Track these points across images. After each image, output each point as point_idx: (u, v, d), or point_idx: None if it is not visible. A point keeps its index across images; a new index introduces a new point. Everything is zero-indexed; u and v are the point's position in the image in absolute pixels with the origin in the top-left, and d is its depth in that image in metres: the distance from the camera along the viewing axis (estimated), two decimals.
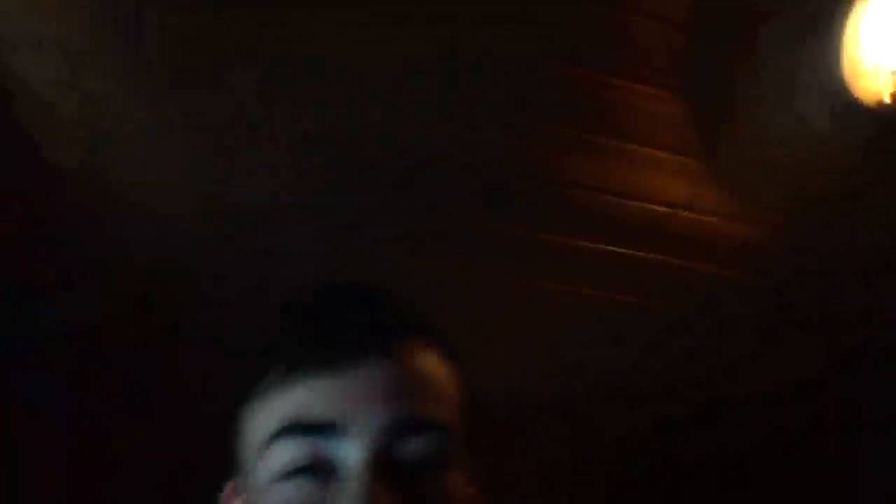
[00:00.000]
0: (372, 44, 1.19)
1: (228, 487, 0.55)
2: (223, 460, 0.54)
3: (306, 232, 1.45)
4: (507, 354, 1.66)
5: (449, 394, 0.51)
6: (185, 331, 1.56)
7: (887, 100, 1.34)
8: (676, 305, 1.59)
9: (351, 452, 0.45)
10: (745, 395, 1.85)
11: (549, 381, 1.78)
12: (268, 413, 0.48)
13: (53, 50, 1.13)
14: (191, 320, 1.54)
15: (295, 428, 0.46)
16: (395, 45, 1.20)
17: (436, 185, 1.42)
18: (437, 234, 1.50)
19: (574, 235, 1.53)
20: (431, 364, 0.50)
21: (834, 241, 1.51)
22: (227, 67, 1.19)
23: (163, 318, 1.53)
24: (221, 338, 1.42)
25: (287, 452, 0.46)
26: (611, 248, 1.55)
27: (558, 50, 1.26)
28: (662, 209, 1.51)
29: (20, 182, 1.29)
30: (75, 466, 1.51)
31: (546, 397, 1.80)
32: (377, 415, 0.46)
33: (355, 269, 1.40)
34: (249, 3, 1.13)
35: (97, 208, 1.36)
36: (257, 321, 0.55)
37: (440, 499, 0.46)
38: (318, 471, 0.46)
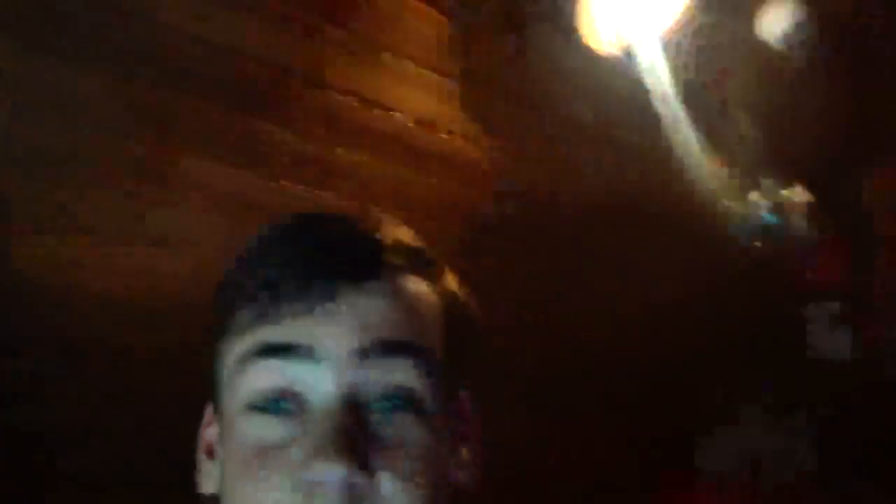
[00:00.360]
0: None
1: (207, 414, 0.54)
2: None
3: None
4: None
5: (429, 320, 0.49)
6: None
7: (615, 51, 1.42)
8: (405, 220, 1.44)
9: (321, 380, 0.44)
10: None
11: None
12: (243, 336, 0.47)
13: None
14: None
15: (266, 350, 0.45)
16: None
17: (182, 71, 1.39)
18: (181, 123, 1.46)
19: (316, 137, 1.48)
20: (411, 289, 0.49)
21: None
22: None
23: None
24: None
25: (257, 376, 0.45)
26: (352, 154, 1.48)
27: None
28: (409, 123, 1.48)
29: None
30: None
31: None
32: (350, 339, 0.44)
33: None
34: None
35: None
36: None
37: (407, 440, 0.45)
38: (287, 404, 0.45)
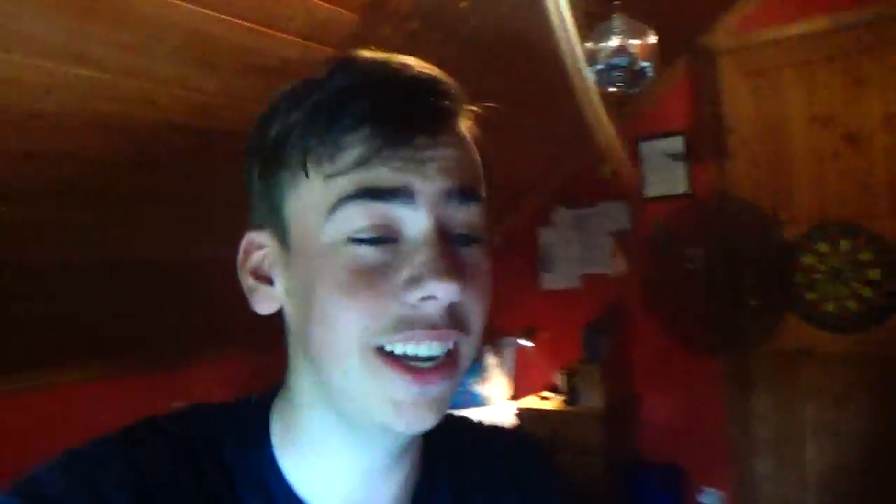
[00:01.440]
0: None
1: (249, 239, 0.57)
2: None
3: None
4: None
5: (482, 168, 0.56)
6: None
7: None
8: None
9: (417, 217, 0.51)
10: None
11: None
12: (334, 180, 0.50)
13: None
14: None
15: (364, 193, 0.49)
16: None
17: None
18: None
19: None
20: (475, 140, 0.56)
21: None
22: None
23: None
24: None
25: (357, 216, 0.50)
26: None
27: None
28: None
29: None
30: None
31: None
32: (441, 183, 0.51)
33: None
34: None
35: None
36: None
37: (478, 268, 0.54)
38: (384, 238, 0.50)
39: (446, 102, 0.53)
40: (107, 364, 2.37)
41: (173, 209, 2.07)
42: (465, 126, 0.56)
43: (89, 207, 1.87)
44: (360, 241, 0.50)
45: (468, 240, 0.54)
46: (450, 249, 0.52)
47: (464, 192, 0.53)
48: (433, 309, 0.50)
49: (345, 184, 0.50)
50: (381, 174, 0.50)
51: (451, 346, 0.52)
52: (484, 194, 0.55)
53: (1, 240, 1.76)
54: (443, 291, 0.49)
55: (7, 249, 1.81)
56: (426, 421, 0.51)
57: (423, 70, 0.54)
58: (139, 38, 1.48)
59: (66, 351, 2.19)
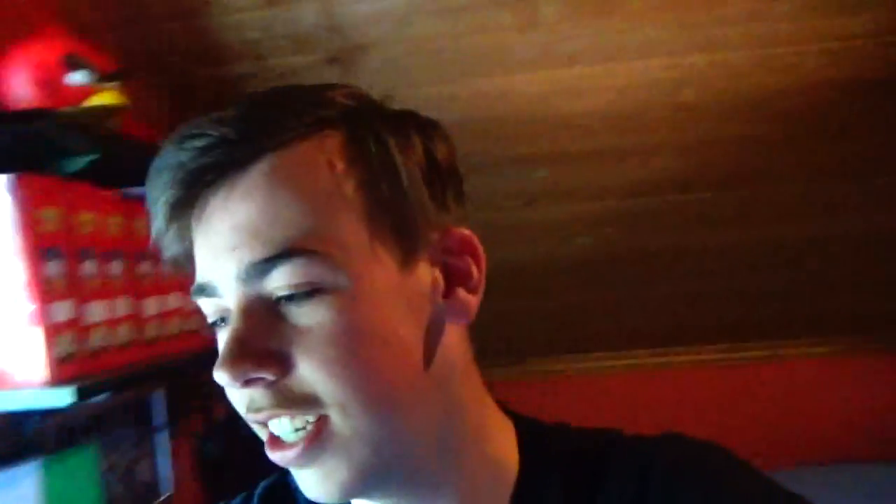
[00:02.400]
0: None
1: None
2: None
3: None
4: None
5: (326, 191, 0.45)
6: None
7: None
8: None
9: (228, 301, 0.46)
10: None
11: None
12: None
13: None
14: None
15: (195, 292, 0.48)
16: None
17: None
18: None
19: None
20: (286, 171, 0.45)
21: None
22: None
23: None
24: None
25: (203, 307, 0.48)
26: None
27: None
28: None
29: None
30: None
31: None
32: (233, 266, 0.44)
33: None
34: None
35: None
36: None
37: (317, 328, 0.43)
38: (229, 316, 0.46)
39: (206, 176, 0.45)
40: (838, 340, 2.26)
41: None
42: (286, 158, 0.45)
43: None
44: (213, 325, 0.49)
45: (301, 296, 0.44)
46: (256, 325, 0.44)
47: (268, 264, 0.44)
48: (251, 392, 0.45)
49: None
50: (199, 269, 0.48)
51: (306, 422, 0.45)
52: (331, 237, 0.44)
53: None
54: (223, 380, 0.44)
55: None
56: (321, 495, 0.46)
57: (186, 140, 0.45)
58: (742, 8, 1.43)
59: (791, 324, 2.22)
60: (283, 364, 0.44)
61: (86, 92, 1.16)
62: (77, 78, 1.15)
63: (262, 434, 0.47)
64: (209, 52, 1.60)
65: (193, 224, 0.46)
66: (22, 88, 1.11)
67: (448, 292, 0.49)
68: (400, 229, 0.47)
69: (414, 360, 0.47)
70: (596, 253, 2.00)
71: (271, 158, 0.45)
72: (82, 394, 0.87)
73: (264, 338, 0.44)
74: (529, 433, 0.54)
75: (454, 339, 0.50)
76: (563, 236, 1.98)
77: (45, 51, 1.15)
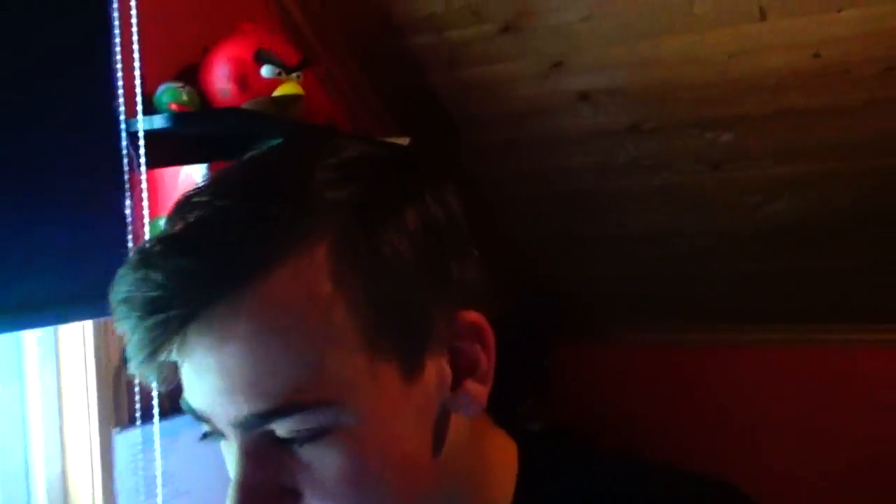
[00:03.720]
0: None
1: None
2: None
3: None
4: None
5: (328, 337, 0.41)
6: None
7: None
8: None
9: (229, 436, 0.43)
10: None
11: None
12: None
13: None
14: None
15: (190, 410, 0.45)
16: None
17: None
18: None
19: None
20: (276, 317, 0.40)
21: None
22: None
23: None
24: None
25: (196, 421, 0.46)
26: None
27: None
28: None
29: None
30: None
31: None
32: (227, 412, 0.41)
33: None
34: None
35: None
36: None
37: (325, 469, 0.42)
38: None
39: (205, 293, 0.39)
40: None
41: None
42: (257, 306, 0.40)
43: None
44: (206, 435, 0.46)
45: (305, 438, 0.42)
46: (260, 470, 0.42)
47: (265, 416, 0.41)
48: None
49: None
50: (187, 395, 0.44)
51: None
52: (312, 398, 0.40)
53: None
54: None
55: None
56: None
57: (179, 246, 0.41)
58: None
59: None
60: (294, 501, 0.43)
61: (273, 83, 1.32)
62: (266, 72, 1.31)
63: None
64: (392, 26, 1.70)
65: (176, 357, 0.42)
66: (222, 83, 1.29)
67: (456, 383, 0.45)
68: (401, 339, 0.43)
69: (423, 468, 0.45)
70: (791, 220, 1.84)
71: (251, 294, 0.40)
72: None
73: (272, 477, 0.42)
74: (529, 460, 0.52)
75: (461, 421, 0.47)
76: (754, 202, 1.84)
77: (241, 48, 1.31)
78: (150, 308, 0.39)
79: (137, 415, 1.14)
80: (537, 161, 1.90)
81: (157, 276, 0.39)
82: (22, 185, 1.05)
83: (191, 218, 0.41)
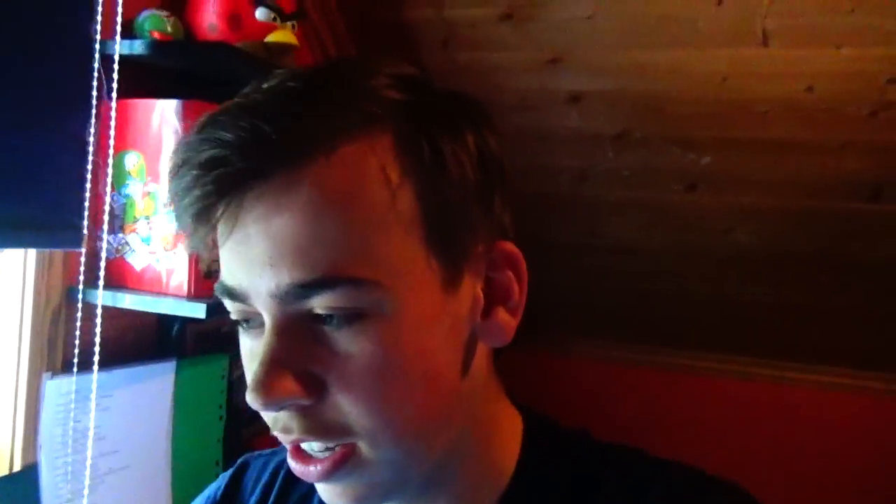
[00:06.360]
0: None
1: None
2: None
3: None
4: None
5: (377, 206, 0.40)
6: None
7: None
8: None
9: (261, 311, 0.42)
10: None
11: None
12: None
13: None
14: None
15: (224, 292, 0.44)
16: None
17: None
18: None
19: None
20: (340, 191, 0.39)
21: None
22: None
23: None
24: None
25: (227, 305, 0.45)
26: None
27: None
28: None
29: None
30: None
31: None
32: (267, 281, 0.40)
33: None
34: None
35: None
36: None
37: (356, 355, 0.40)
38: (255, 322, 0.44)
39: (272, 153, 0.39)
40: None
41: None
42: (321, 174, 0.39)
43: None
44: (237, 323, 0.46)
45: (342, 320, 0.40)
46: (289, 348, 0.41)
47: (309, 287, 0.40)
48: (282, 415, 0.43)
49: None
50: (224, 271, 0.43)
51: (332, 445, 0.43)
52: (360, 274, 0.39)
53: None
54: (256, 404, 0.41)
55: None
56: (337, 502, 0.45)
57: (254, 109, 0.40)
58: None
59: None
60: (318, 389, 0.41)
61: (266, 28, 1.23)
62: (260, 14, 1.23)
63: (286, 442, 0.45)
64: None
65: (223, 227, 0.41)
66: (211, 20, 1.20)
67: (487, 311, 0.46)
68: (449, 246, 0.43)
69: (448, 386, 0.45)
70: (755, 251, 1.86)
71: (317, 165, 0.39)
72: (210, 310, 0.96)
73: (301, 360, 0.41)
74: (535, 432, 0.52)
75: (484, 354, 0.48)
76: (723, 228, 1.85)
77: None
78: (210, 164, 0.39)
79: (74, 361, 1.03)
80: (518, 157, 1.86)
81: (222, 135, 0.39)
82: None
83: (259, 93, 0.41)
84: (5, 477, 1.00)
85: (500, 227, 0.47)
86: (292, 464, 0.44)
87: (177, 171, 0.40)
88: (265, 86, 0.41)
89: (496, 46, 1.64)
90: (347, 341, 0.41)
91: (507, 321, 0.47)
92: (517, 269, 0.47)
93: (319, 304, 0.40)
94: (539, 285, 2.13)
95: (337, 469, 0.42)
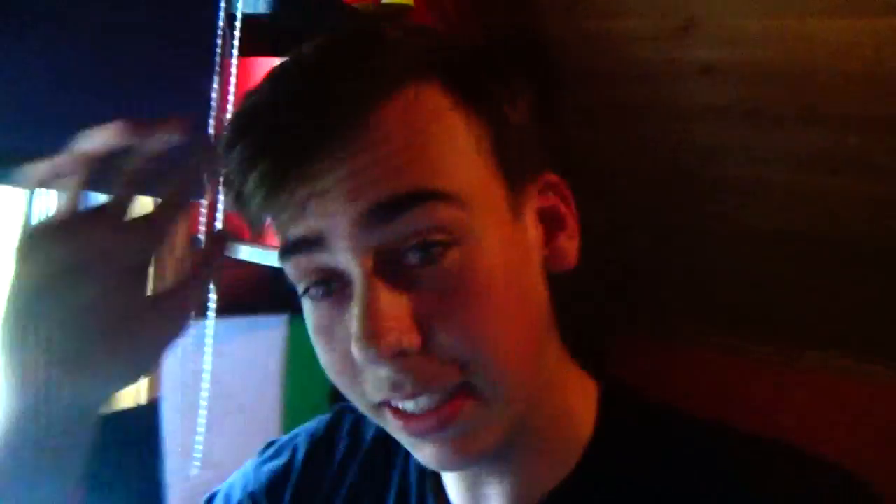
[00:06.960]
0: None
1: None
2: None
3: None
4: None
5: (447, 135, 0.41)
6: None
7: None
8: None
9: (343, 261, 0.41)
10: None
11: None
12: (262, 223, 0.44)
13: None
14: None
15: (290, 248, 0.42)
16: None
17: None
18: None
19: None
20: (413, 121, 0.40)
21: None
22: None
23: None
24: None
25: (295, 269, 0.43)
26: None
27: None
28: None
29: None
30: None
31: None
32: (353, 210, 0.39)
33: None
34: None
35: None
36: None
37: (455, 282, 0.40)
38: (331, 285, 0.43)
39: (342, 106, 0.40)
40: None
41: None
42: (409, 103, 0.41)
43: None
44: (307, 293, 0.44)
45: (432, 255, 0.40)
46: (390, 289, 0.40)
47: (388, 208, 0.39)
48: (387, 372, 0.41)
49: (278, 234, 0.44)
50: (287, 223, 0.42)
51: (445, 390, 0.41)
52: (455, 175, 0.41)
53: None
54: (370, 355, 0.39)
55: None
56: (454, 463, 0.43)
57: (320, 70, 0.42)
58: None
59: None
60: (423, 331, 0.40)
61: None
62: None
63: (381, 415, 0.44)
64: None
65: (294, 181, 0.41)
66: None
67: (548, 240, 0.47)
68: (513, 176, 0.44)
69: (535, 312, 0.45)
70: None
71: (391, 101, 0.40)
72: None
73: (400, 303, 0.40)
74: (613, 399, 0.51)
75: (548, 290, 0.48)
76: (870, 215, 1.68)
77: None
78: (281, 125, 0.41)
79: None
80: (646, 131, 1.77)
81: (285, 95, 0.42)
82: (109, 53, 0.99)
83: (312, 54, 0.43)
84: (132, 409, 1.08)
85: (545, 159, 0.48)
86: (398, 424, 0.43)
87: (244, 139, 0.42)
88: (319, 44, 0.43)
89: (623, 13, 1.56)
90: (440, 276, 0.40)
91: (568, 245, 0.48)
92: (564, 195, 0.48)
93: (407, 227, 0.40)
94: (656, 273, 2.03)
95: (456, 415, 0.41)
